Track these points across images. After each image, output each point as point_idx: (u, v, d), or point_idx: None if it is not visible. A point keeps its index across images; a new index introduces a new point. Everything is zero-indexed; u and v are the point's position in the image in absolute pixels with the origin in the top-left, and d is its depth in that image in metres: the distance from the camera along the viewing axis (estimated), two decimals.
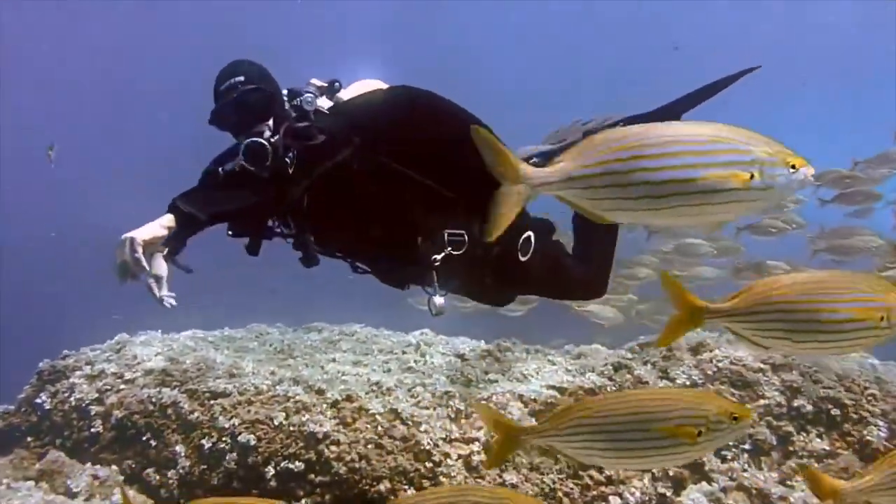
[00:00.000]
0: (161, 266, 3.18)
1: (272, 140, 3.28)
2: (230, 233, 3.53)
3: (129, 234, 2.89)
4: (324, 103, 3.54)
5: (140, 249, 2.86)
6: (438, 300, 3.68)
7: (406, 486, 4.55)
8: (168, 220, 3.02)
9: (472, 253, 3.61)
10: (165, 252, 3.22)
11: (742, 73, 3.94)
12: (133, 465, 4.79)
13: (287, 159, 3.28)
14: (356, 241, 3.65)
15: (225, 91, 3.36)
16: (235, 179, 3.31)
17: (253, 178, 3.25)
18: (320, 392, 5.18)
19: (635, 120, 3.95)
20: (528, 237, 3.74)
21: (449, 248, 3.56)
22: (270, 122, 3.36)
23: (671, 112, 3.97)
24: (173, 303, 3.09)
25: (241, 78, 3.37)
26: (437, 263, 3.56)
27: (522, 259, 3.72)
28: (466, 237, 3.58)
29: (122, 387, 5.14)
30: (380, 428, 4.86)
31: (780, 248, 8.26)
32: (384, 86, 3.77)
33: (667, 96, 3.97)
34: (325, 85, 3.58)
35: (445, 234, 3.57)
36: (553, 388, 5.35)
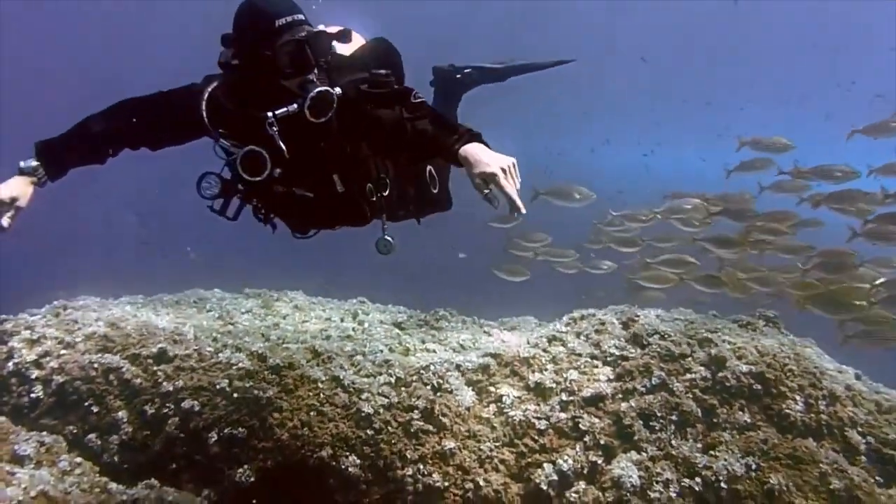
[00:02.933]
0: (28, 194, 3.31)
1: (333, 91, 3.40)
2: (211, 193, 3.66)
3: (508, 160, 3.01)
4: None
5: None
6: (388, 238, 3.99)
7: (348, 453, 4.67)
8: None
9: (395, 192, 3.97)
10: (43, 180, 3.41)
11: (560, 62, 5.52)
12: (75, 431, 4.78)
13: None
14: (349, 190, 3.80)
15: (285, 27, 3.35)
16: None
17: None
18: (262, 359, 5.26)
19: (483, 70, 5.35)
20: (430, 171, 4.19)
21: (381, 192, 3.87)
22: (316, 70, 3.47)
23: (503, 73, 5.40)
24: (4, 225, 3.19)
25: (303, 17, 3.43)
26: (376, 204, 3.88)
27: (434, 191, 4.18)
28: (388, 180, 3.91)
29: (63, 352, 5.12)
30: (322, 395, 4.96)
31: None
32: (363, 39, 3.97)
33: None
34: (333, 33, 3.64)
35: (380, 178, 3.89)
36: (489, 355, 5.51)
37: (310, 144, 3.53)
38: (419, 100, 3.50)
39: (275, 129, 3.41)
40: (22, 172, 3.36)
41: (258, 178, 3.50)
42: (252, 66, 3.40)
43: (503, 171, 2.93)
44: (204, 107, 3.50)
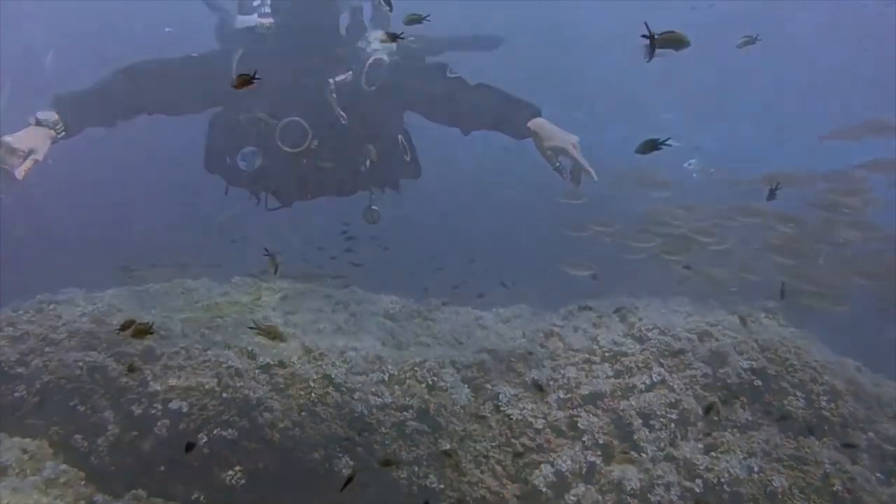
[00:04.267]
0: (45, 147, 3.15)
1: (384, 59, 3.57)
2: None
3: (574, 137, 3.30)
4: None
5: None
6: (375, 207, 4.20)
7: (341, 455, 4.57)
8: None
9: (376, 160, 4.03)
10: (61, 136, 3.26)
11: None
12: (60, 431, 4.65)
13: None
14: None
15: None
16: None
17: None
18: (252, 356, 5.12)
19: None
20: (400, 140, 4.19)
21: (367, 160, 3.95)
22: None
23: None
24: (18, 177, 3.01)
25: None
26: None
27: (407, 159, 4.24)
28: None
29: (48, 349, 4.96)
30: (313, 395, 4.84)
31: None
32: None
33: None
34: None
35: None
36: (485, 351, 5.39)
37: (356, 113, 3.61)
38: (455, 74, 3.63)
39: (334, 95, 3.46)
40: (39, 124, 3.19)
41: (298, 149, 3.52)
42: (306, 31, 3.42)
43: (572, 145, 3.21)
44: (235, 73, 3.45)
